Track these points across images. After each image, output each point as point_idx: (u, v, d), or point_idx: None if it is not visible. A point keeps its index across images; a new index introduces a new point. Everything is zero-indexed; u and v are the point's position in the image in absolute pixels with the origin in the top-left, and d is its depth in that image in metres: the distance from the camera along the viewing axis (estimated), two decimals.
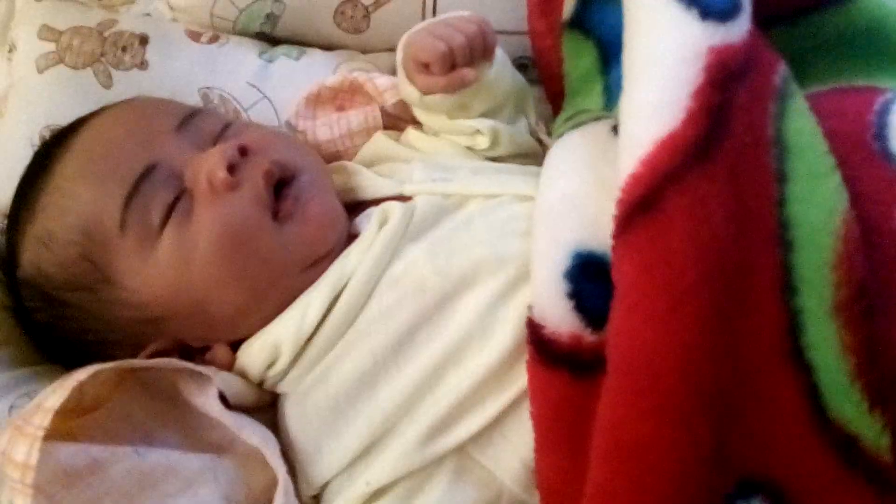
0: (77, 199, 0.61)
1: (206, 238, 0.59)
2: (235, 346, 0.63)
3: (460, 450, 0.58)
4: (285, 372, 0.61)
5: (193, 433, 0.60)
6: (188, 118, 0.66)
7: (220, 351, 0.62)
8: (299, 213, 0.62)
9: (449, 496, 0.57)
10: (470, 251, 0.59)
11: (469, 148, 0.73)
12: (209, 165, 0.60)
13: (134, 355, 0.61)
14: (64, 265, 0.61)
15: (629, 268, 0.49)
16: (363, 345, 0.58)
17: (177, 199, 0.60)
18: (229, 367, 0.62)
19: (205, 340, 0.62)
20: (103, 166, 0.62)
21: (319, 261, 0.62)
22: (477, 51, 0.69)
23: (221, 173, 0.59)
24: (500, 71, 0.73)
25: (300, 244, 0.61)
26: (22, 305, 0.65)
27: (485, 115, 0.72)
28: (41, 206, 0.62)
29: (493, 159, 0.73)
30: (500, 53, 0.73)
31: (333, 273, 0.60)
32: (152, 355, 0.61)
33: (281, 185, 0.63)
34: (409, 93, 0.71)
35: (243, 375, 0.62)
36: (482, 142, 0.71)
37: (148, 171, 0.60)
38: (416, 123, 0.77)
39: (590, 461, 0.50)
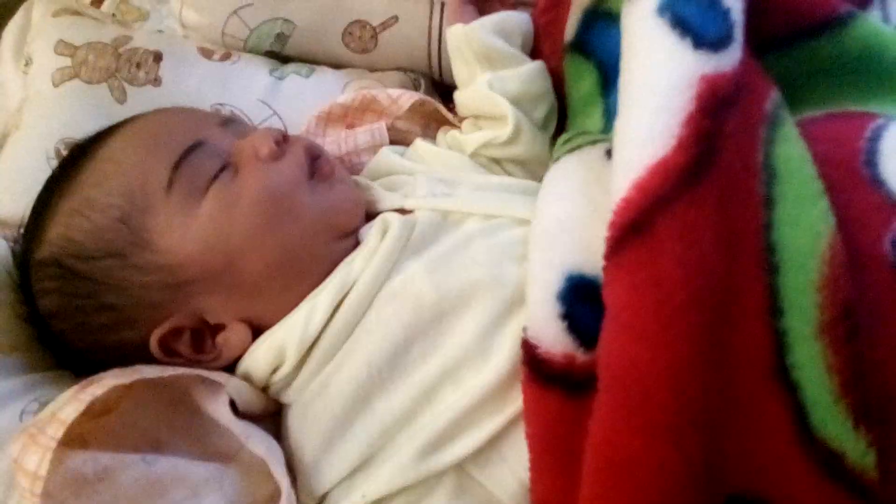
0: (124, 164, 0.64)
1: (248, 193, 0.63)
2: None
3: (459, 468, 0.59)
4: (290, 378, 0.62)
5: (201, 440, 0.60)
6: (227, 120, 0.71)
7: (237, 330, 0.63)
8: (332, 180, 0.67)
9: None
10: (468, 272, 0.61)
11: (482, 151, 0.75)
12: (256, 141, 0.65)
13: (147, 336, 0.62)
14: (98, 231, 0.62)
15: (620, 288, 0.51)
16: (359, 355, 0.60)
17: (222, 169, 0.64)
18: (243, 349, 0.63)
19: (224, 314, 0.63)
20: (152, 141, 0.65)
21: (343, 237, 0.65)
22: None
23: (268, 147, 0.64)
24: (544, 71, 0.78)
25: (329, 206, 0.65)
26: (31, 300, 0.65)
27: (518, 99, 0.75)
28: (82, 179, 0.64)
29: (499, 163, 0.75)
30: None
31: (339, 276, 0.62)
32: (169, 331, 0.62)
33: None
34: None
35: (248, 379, 0.63)
36: (503, 133, 0.73)
37: (196, 145, 0.64)
38: (425, 135, 0.79)
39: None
